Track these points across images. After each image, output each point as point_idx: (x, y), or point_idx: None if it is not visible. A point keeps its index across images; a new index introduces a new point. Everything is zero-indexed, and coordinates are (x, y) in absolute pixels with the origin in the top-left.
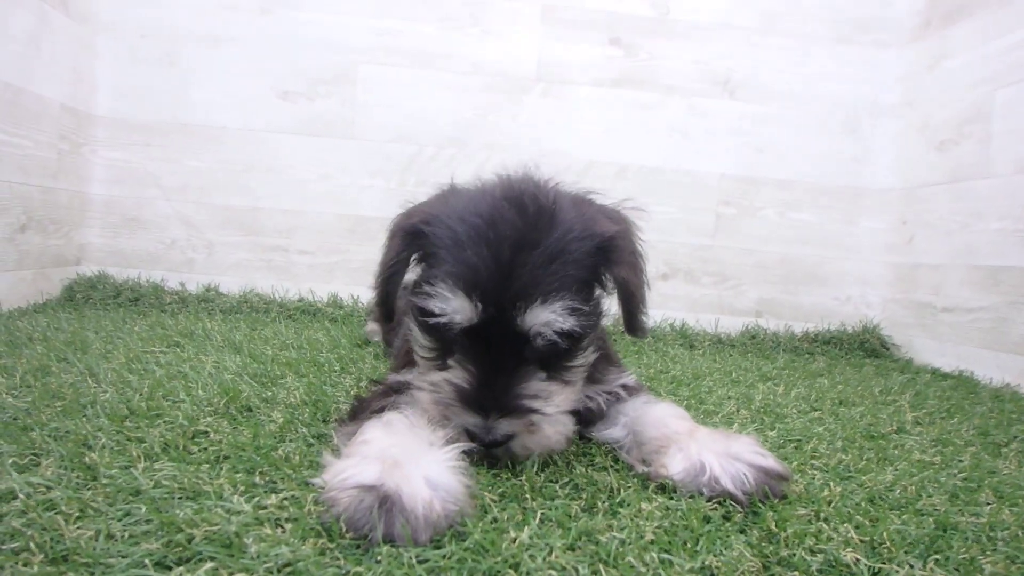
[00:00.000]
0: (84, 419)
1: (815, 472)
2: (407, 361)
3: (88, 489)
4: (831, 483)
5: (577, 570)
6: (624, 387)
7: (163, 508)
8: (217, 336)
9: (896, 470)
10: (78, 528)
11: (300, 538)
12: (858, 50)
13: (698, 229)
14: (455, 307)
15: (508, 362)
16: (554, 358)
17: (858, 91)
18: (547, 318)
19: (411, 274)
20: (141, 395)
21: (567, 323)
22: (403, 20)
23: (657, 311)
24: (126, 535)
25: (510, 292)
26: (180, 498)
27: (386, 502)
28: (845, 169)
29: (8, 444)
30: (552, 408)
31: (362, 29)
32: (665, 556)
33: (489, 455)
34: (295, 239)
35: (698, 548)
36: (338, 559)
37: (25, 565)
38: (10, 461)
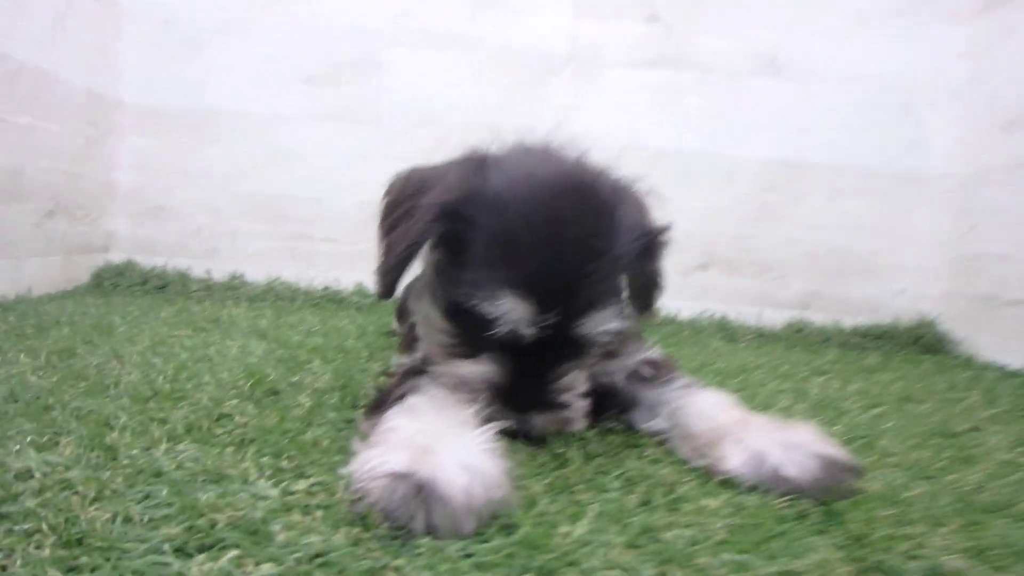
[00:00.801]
0: (107, 399)
1: (891, 471)
2: (413, 341)
3: (107, 470)
4: (912, 483)
5: (640, 572)
6: (649, 363)
7: (185, 491)
8: (243, 322)
9: (982, 471)
10: (95, 510)
11: (331, 527)
12: (915, 25)
13: (739, 217)
14: (520, 317)
15: (547, 360)
16: (585, 349)
17: (915, 69)
18: (602, 326)
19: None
20: (165, 377)
21: (616, 325)
22: (428, 1)
23: (695, 303)
24: (145, 519)
25: (573, 306)
26: (203, 481)
27: (422, 491)
28: (900, 153)
29: (29, 423)
30: (577, 398)
31: (386, 12)
32: (741, 558)
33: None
34: (319, 227)
35: (776, 550)
36: (373, 551)
37: (37, 548)
38: (28, 439)
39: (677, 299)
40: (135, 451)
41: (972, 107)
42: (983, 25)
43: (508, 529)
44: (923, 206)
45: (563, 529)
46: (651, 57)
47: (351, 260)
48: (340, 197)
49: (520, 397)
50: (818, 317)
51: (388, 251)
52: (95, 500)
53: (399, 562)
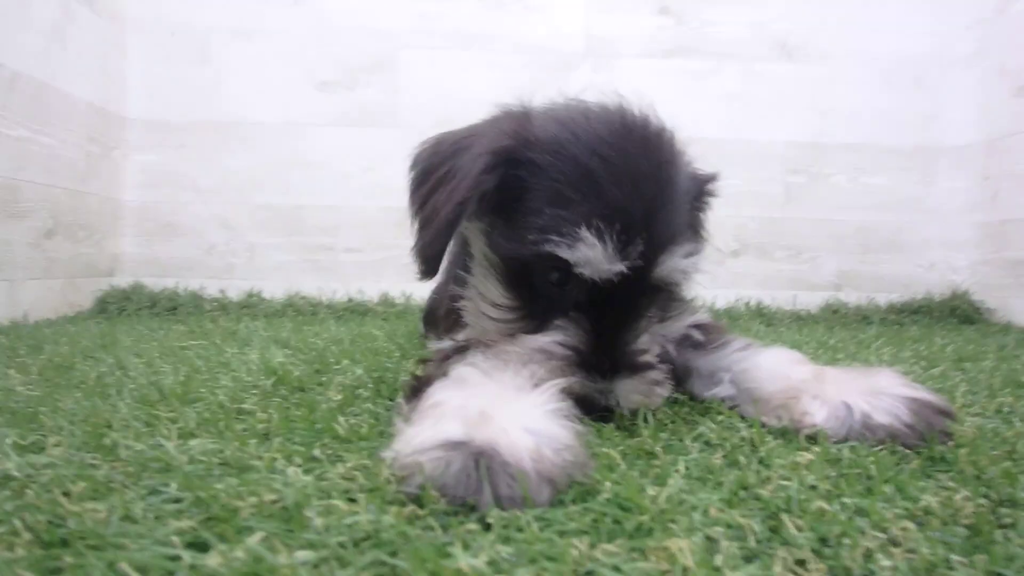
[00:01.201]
0: (107, 404)
1: (979, 417)
2: (452, 323)
3: (104, 468)
4: (1004, 427)
5: (753, 528)
6: (700, 327)
7: (199, 484)
8: (262, 333)
9: None
10: (86, 509)
11: (379, 508)
12: (921, 2)
13: (767, 200)
14: (599, 257)
15: (628, 315)
16: (665, 302)
17: (925, 43)
18: (680, 265)
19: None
20: (176, 381)
21: (690, 268)
22: (442, 2)
23: (730, 290)
24: (149, 515)
25: (656, 238)
26: (221, 473)
27: (482, 458)
28: (918, 127)
29: (12, 429)
30: (656, 359)
31: (400, 13)
32: (860, 502)
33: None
34: (341, 236)
35: (889, 495)
36: (432, 527)
37: (8, 549)
38: (9, 441)
39: (712, 287)
40: (140, 447)
41: (983, 76)
42: None
43: (589, 493)
44: (944, 178)
45: (651, 492)
46: (667, 48)
47: (376, 269)
48: (361, 203)
49: (602, 361)
50: (852, 297)
51: (427, 222)
52: (87, 499)
53: (466, 537)
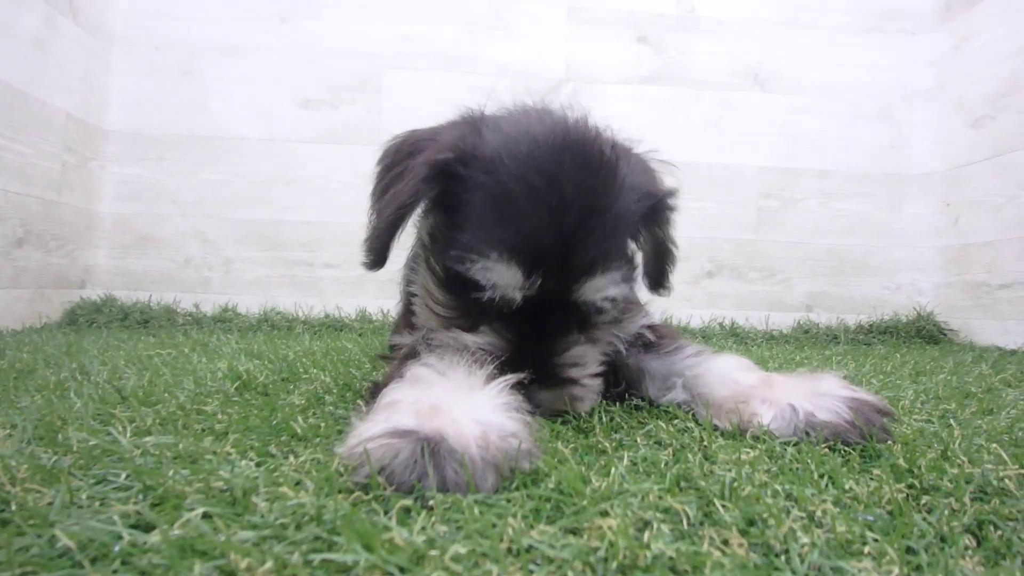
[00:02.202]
0: (66, 404)
1: (922, 423)
2: (408, 322)
3: (54, 457)
4: (944, 430)
5: (687, 511)
6: (651, 328)
7: (150, 474)
8: (234, 345)
9: (1008, 417)
10: (30, 495)
11: (326, 494)
12: (885, 38)
13: (741, 223)
14: (509, 281)
15: (550, 329)
16: (590, 319)
17: (889, 78)
18: (604, 290)
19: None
20: (139, 384)
21: (619, 291)
22: (427, 24)
23: (705, 310)
24: (95, 500)
25: (572, 266)
26: (174, 464)
27: (430, 445)
28: (884, 155)
29: None
30: (588, 376)
31: (386, 35)
32: (791, 488)
33: None
34: (320, 252)
35: (823, 486)
36: (375, 510)
37: None
38: None
39: (687, 307)
40: (93, 442)
41: (942, 109)
42: (942, 36)
43: (534, 482)
44: (909, 204)
45: (595, 483)
46: (645, 75)
47: (355, 285)
48: (341, 219)
49: (522, 370)
50: (823, 318)
51: (378, 216)
52: (32, 487)
53: (405, 516)
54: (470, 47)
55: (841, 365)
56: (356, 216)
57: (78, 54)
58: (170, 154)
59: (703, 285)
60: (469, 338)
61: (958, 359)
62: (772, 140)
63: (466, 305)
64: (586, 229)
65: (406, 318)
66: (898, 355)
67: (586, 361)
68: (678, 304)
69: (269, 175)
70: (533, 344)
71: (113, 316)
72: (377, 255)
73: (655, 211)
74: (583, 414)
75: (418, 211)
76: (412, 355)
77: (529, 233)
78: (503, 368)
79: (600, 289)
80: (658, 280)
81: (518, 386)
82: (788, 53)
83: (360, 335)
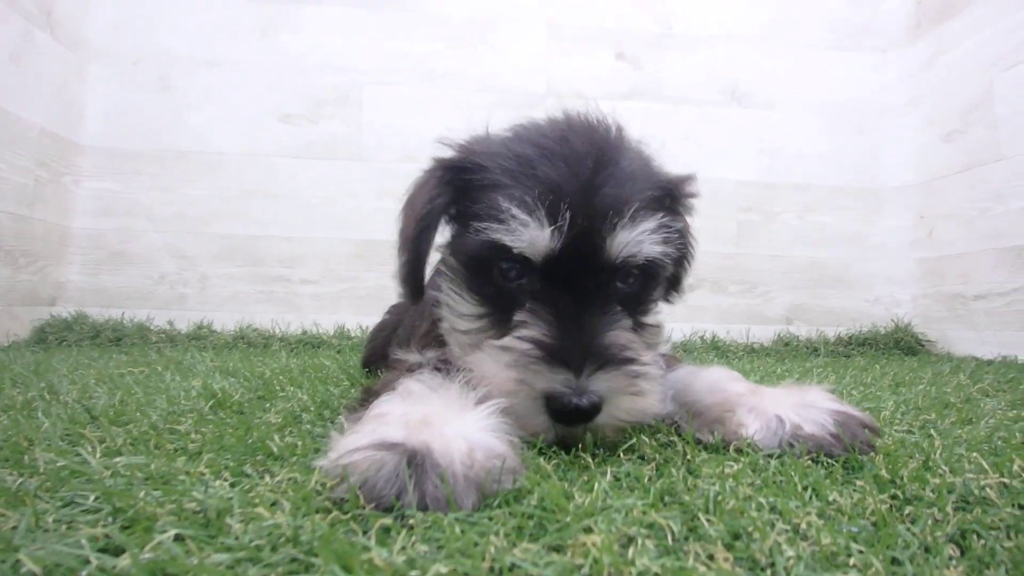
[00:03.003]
0: (32, 423)
1: (903, 433)
2: (429, 341)
3: (20, 477)
4: (925, 440)
5: (671, 526)
6: (661, 357)
7: (121, 496)
8: (208, 363)
9: (987, 426)
10: None
11: (303, 514)
12: (858, 55)
13: (721, 237)
14: (533, 234)
15: (593, 303)
16: (633, 305)
17: (863, 93)
18: (639, 238)
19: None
20: (109, 403)
21: (659, 248)
22: (408, 40)
23: (686, 324)
24: (62, 525)
25: (597, 208)
26: (145, 485)
27: (415, 458)
28: (859, 169)
29: None
30: (649, 362)
31: (367, 50)
32: (775, 501)
33: (568, 433)
34: (298, 268)
35: (807, 498)
36: (354, 530)
37: None
38: None
39: (668, 321)
40: (62, 463)
41: (917, 123)
42: (914, 52)
43: (516, 499)
44: (885, 217)
45: (579, 499)
46: (624, 91)
47: (333, 301)
48: (320, 235)
49: (570, 351)
50: (803, 330)
51: (402, 245)
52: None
53: (385, 535)
54: (451, 63)
55: (822, 377)
56: (335, 231)
57: (54, 67)
58: (147, 168)
59: (683, 298)
60: (503, 340)
61: (936, 370)
62: (750, 155)
63: (495, 300)
64: (602, 176)
65: (422, 336)
66: (877, 366)
67: (633, 344)
68: (658, 318)
69: (248, 190)
70: (575, 319)
71: (84, 334)
72: (409, 283)
73: (674, 196)
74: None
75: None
76: (412, 371)
77: (547, 181)
78: (543, 357)
79: (635, 238)
80: (673, 283)
81: (562, 371)
82: (765, 69)
83: (338, 352)
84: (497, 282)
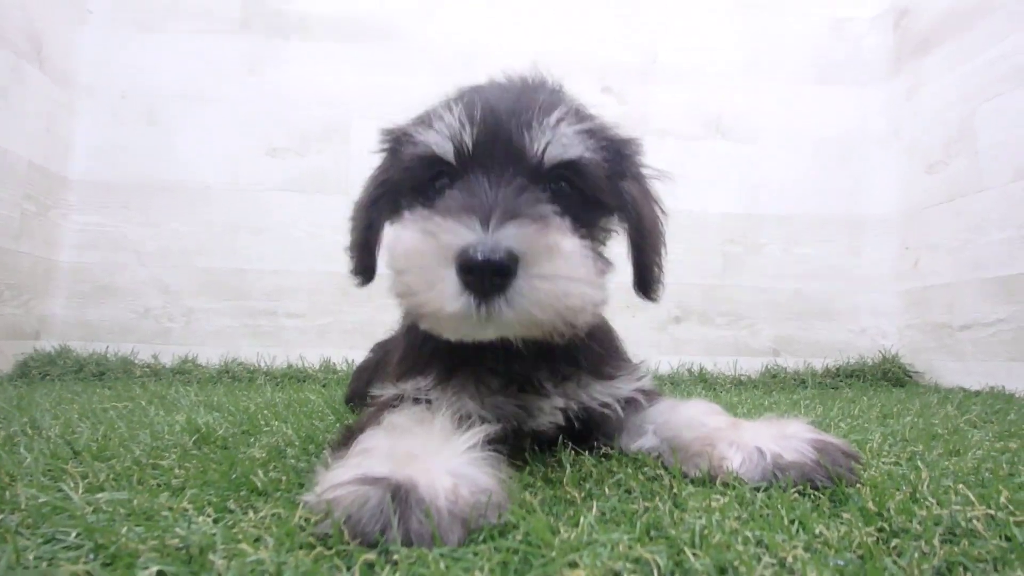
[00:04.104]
0: (14, 458)
1: (890, 465)
2: (408, 368)
3: (1, 514)
4: (912, 472)
5: (657, 561)
6: (643, 392)
7: (103, 532)
8: (193, 397)
9: (975, 457)
10: None
11: (286, 550)
12: (840, 88)
13: (707, 269)
14: (450, 128)
15: (519, 196)
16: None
17: (845, 125)
18: (562, 140)
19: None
20: (92, 438)
21: (585, 152)
22: (396, 74)
23: (673, 356)
24: (43, 561)
25: (517, 113)
26: (128, 521)
27: (399, 493)
28: (842, 201)
29: None
30: (568, 237)
31: (354, 84)
32: (762, 534)
33: (488, 314)
34: (284, 301)
35: (794, 531)
36: (338, 566)
37: None
38: None
39: (655, 353)
40: (44, 499)
41: (899, 155)
42: (895, 84)
43: (501, 534)
44: (870, 248)
45: (564, 533)
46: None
47: (319, 334)
48: (306, 268)
49: (483, 204)
50: (790, 362)
51: (355, 213)
52: None
53: (369, 571)
54: (439, 96)
55: (809, 409)
56: (321, 264)
57: (42, 102)
58: (134, 203)
59: (670, 331)
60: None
61: (924, 401)
62: (734, 187)
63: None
64: (530, 98)
65: (399, 366)
66: (865, 398)
67: (565, 232)
68: (645, 350)
69: (234, 224)
70: (495, 196)
71: (67, 368)
72: (364, 257)
73: (619, 158)
74: (551, 463)
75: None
76: (392, 404)
77: (469, 99)
78: (463, 208)
79: (560, 143)
80: (640, 274)
81: (480, 223)
82: (748, 102)
83: (324, 386)
84: (432, 196)
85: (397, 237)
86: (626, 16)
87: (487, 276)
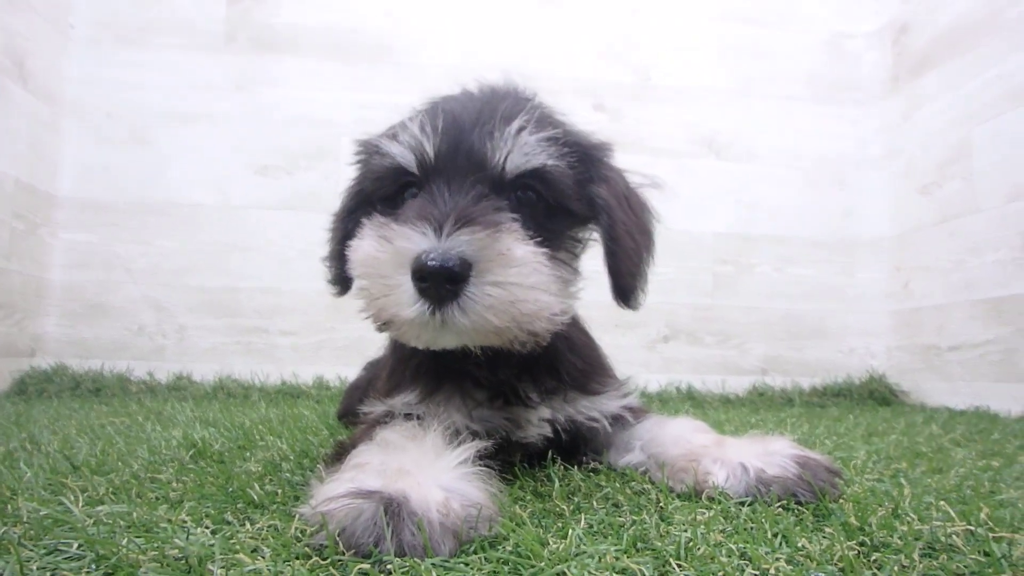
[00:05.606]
0: (15, 473)
1: (874, 482)
2: (396, 384)
3: (4, 526)
4: (895, 488)
5: (643, 572)
6: (630, 409)
7: (103, 543)
8: (188, 413)
9: (957, 475)
10: None
11: (283, 560)
12: (836, 108)
13: (697, 288)
14: (413, 140)
15: (479, 204)
16: (536, 229)
17: (841, 146)
18: (524, 149)
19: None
20: (91, 453)
21: (543, 157)
22: (386, 92)
23: (662, 375)
24: (46, 572)
25: (480, 122)
26: (128, 532)
27: (391, 506)
28: (836, 221)
29: None
30: (521, 244)
31: (343, 102)
32: (745, 547)
33: (442, 318)
34: (276, 319)
35: (777, 544)
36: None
37: None
38: None
39: (644, 372)
40: (45, 511)
41: (892, 176)
42: (891, 105)
43: (492, 545)
44: (862, 269)
45: (553, 545)
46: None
47: (310, 352)
48: (298, 287)
49: (438, 212)
50: (778, 381)
51: (333, 224)
52: None
53: None
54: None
55: (796, 427)
56: (312, 283)
57: (28, 120)
58: (123, 221)
59: (659, 350)
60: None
61: (909, 420)
62: (727, 207)
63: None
64: (494, 108)
65: (387, 383)
66: (851, 417)
67: (522, 238)
68: (635, 369)
69: (225, 242)
70: (454, 199)
71: (64, 385)
72: (337, 258)
73: (590, 163)
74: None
75: None
76: (382, 421)
77: (432, 110)
78: (418, 216)
79: (522, 152)
80: (617, 281)
81: (434, 230)
82: (742, 121)
83: (317, 402)
84: (400, 206)
85: (356, 245)
86: (619, 35)
87: (440, 283)
